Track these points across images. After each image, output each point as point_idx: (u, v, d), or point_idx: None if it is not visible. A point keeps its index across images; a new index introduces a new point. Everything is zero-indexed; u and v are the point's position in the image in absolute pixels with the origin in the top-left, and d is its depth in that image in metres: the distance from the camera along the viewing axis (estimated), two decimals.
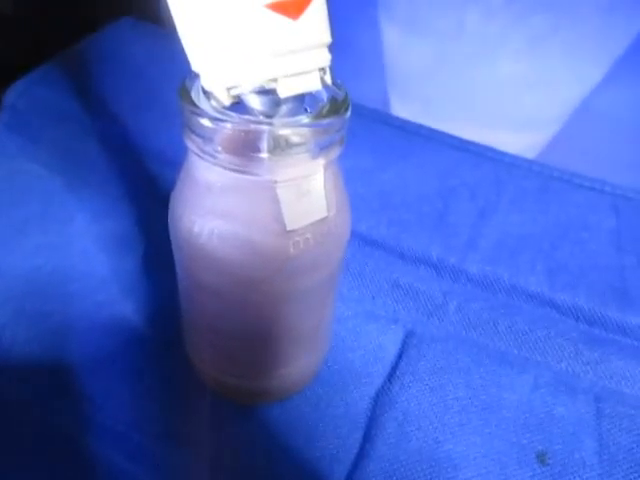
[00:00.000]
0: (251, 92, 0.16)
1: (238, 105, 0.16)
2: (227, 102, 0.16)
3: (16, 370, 0.26)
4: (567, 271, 0.31)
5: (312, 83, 0.16)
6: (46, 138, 0.38)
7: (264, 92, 0.16)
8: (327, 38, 0.16)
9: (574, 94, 0.43)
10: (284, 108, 0.16)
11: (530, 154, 0.43)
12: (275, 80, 0.15)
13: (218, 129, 0.16)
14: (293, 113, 0.17)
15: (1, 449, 0.24)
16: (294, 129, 0.16)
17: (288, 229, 0.17)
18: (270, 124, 0.16)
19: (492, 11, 0.39)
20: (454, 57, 0.43)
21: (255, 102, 0.16)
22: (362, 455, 0.24)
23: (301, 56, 0.15)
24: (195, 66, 0.16)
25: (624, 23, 0.39)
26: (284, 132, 0.16)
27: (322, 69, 0.16)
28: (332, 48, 0.16)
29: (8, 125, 0.39)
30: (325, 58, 0.16)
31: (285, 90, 0.16)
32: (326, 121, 0.16)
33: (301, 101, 0.17)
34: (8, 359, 0.26)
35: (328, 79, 0.17)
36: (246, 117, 0.16)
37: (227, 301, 0.21)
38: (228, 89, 0.16)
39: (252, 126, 0.16)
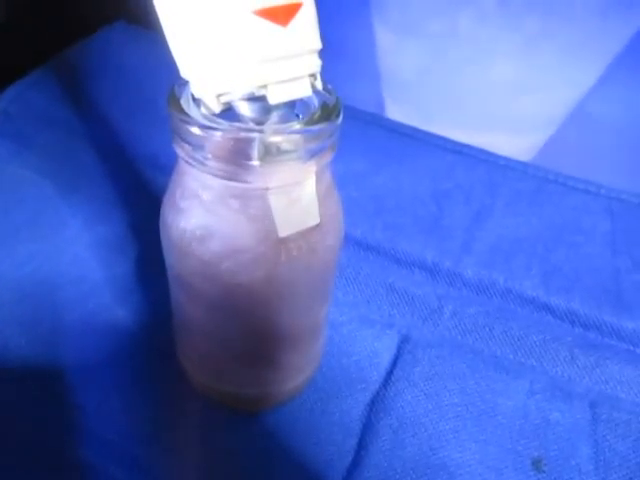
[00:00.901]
0: (241, 99, 0.16)
1: (228, 112, 0.16)
2: (217, 109, 0.16)
3: (7, 376, 0.26)
4: (562, 274, 0.31)
5: (302, 89, 0.16)
6: (38, 143, 0.38)
7: (254, 99, 0.16)
8: (317, 44, 0.16)
9: (568, 97, 0.44)
10: (275, 115, 0.16)
11: (525, 157, 0.43)
12: (265, 87, 0.15)
13: (208, 137, 0.16)
14: (284, 119, 0.16)
15: None
16: (285, 136, 0.16)
17: (280, 236, 0.17)
18: (261, 131, 0.16)
19: (485, 14, 0.39)
20: (448, 60, 0.43)
21: (245, 109, 0.16)
22: (357, 462, 0.24)
23: (291, 62, 0.15)
24: (184, 73, 0.16)
25: (617, 26, 0.39)
26: (275, 139, 0.16)
27: (312, 75, 0.16)
28: (326, 51, 0.16)
29: (0, 131, 0.38)
30: (315, 64, 0.16)
31: (275, 97, 0.15)
32: (317, 127, 0.16)
33: (292, 107, 0.17)
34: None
35: (319, 85, 0.17)
36: (236, 124, 0.16)
37: (218, 307, 0.21)
38: (218, 96, 0.15)
39: (242, 133, 0.16)
